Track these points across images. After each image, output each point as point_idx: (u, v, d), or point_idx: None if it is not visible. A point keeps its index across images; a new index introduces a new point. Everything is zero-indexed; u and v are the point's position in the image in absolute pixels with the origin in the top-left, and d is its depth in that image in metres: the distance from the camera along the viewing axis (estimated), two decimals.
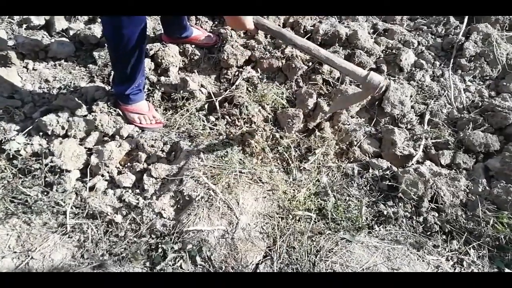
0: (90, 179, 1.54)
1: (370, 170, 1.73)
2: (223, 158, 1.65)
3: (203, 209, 1.45)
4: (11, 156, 1.51)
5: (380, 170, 1.72)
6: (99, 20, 2.16)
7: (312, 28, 2.18)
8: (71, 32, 2.08)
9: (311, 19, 2.23)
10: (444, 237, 1.55)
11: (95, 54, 1.99)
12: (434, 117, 1.98)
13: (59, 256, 1.33)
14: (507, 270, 1.44)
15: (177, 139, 1.74)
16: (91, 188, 1.54)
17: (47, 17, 2.08)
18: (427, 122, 1.96)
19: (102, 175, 1.58)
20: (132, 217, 1.45)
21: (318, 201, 1.61)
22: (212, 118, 1.86)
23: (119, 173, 1.61)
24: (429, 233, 1.57)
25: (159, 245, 1.37)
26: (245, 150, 1.74)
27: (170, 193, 1.52)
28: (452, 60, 2.17)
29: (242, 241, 1.39)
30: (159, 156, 1.68)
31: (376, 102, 1.98)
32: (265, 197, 1.58)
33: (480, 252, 1.50)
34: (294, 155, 1.78)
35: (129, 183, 1.57)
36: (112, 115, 1.75)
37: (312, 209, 1.57)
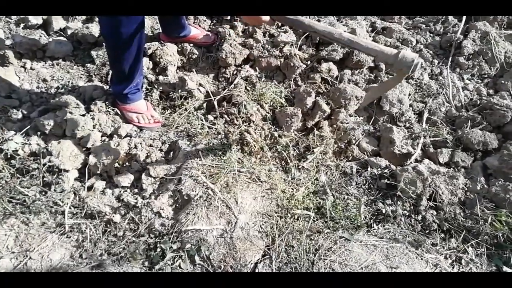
0: (88, 179, 1.54)
1: (369, 169, 1.73)
2: (222, 157, 1.65)
3: (201, 209, 1.45)
4: (9, 156, 1.51)
5: (379, 169, 1.72)
6: (97, 19, 2.16)
7: None
8: (69, 31, 2.08)
9: (309, 18, 2.23)
10: (442, 235, 1.55)
11: (93, 53, 1.99)
12: (432, 116, 1.98)
13: (58, 256, 1.33)
14: (505, 268, 1.44)
15: (175, 138, 1.74)
16: (89, 188, 1.53)
17: (45, 17, 2.07)
18: (426, 120, 1.96)
19: (100, 175, 1.58)
20: (130, 217, 1.45)
21: (316, 200, 1.61)
22: (210, 117, 1.86)
23: (118, 172, 1.61)
24: (427, 231, 1.57)
25: (158, 245, 1.36)
26: (243, 149, 1.74)
27: (169, 193, 1.52)
28: (450, 59, 2.17)
29: (241, 240, 1.39)
30: (158, 155, 1.68)
31: (375, 101, 1.98)
32: (264, 196, 1.58)
33: (479, 250, 1.50)
34: (293, 154, 1.78)
35: (128, 182, 1.57)
36: (110, 114, 1.75)
37: (311, 208, 1.57)
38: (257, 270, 1.35)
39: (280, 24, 2.22)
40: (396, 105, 1.93)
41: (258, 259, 1.39)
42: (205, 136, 1.74)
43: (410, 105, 2.00)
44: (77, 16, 2.17)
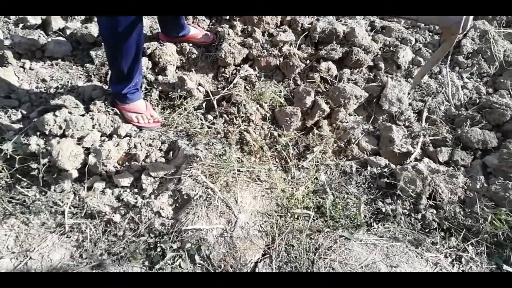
0: (88, 179, 1.54)
1: (368, 168, 1.73)
2: (221, 156, 1.65)
3: (201, 208, 1.45)
4: (8, 156, 1.51)
5: (378, 168, 1.72)
6: (95, 19, 2.16)
7: (309, 26, 2.18)
8: (68, 31, 2.08)
9: (308, 17, 2.23)
10: (442, 234, 1.56)
11: (92, 53, 1.98)
12: (432, 114, 1.98)
13: (58, 256, 1.33)
14: (505, 267, 1.44)
15: (175, 138, 1.74)
16: (89, 188, 1.53)
17: (44, 17, 2.07)
18: (425, 119, 1.96)
19: (100, 175, 1.58)
20: (130, 217, 1.45)
21: (316, 199, 1.61)
22: (210, 117, 1.86)
23: (117, 172, 1.61)
24: (427, 230, 1.57)
25: (158, 244, 1.36)
26: (243, 149, 1.74)
27: (169, 192, 1.52)
28: (449, 57, 2.17)
29: (241, 239, 1.39)
30: (157, 155, 1.68)
31: (374, 100, 1.98)
32: (264, 195, 1.58)
33: (479, 249, 1.50)
34: (292, 153, 1.78)
35: (127, 182, 1.56)
36: (109, 114, 1.75)
37: (311, 207, 1.57)
38: (257, 270, 1.35)
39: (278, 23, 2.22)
40: (395, 104, 1.93)
41: (258, 259, 1.39)
42: (205, 136, 1.74)
43: (410, 104, 2.00)
44: (76, 16, 2.16)
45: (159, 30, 2.08)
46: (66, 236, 1.40)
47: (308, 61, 2.06)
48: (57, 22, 2.07)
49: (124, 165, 1.64)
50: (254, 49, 2.05)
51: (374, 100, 1.98)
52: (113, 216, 1.45)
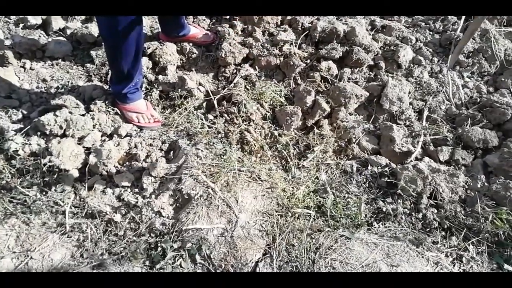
0: (88, 179, 1.54)
1: (369, 167, 1.73)
2: (222, 156, 1.65)
3: (202, 208, 1.45)
4: (9, 156, 1.51)
5: (379, 167, 1.72)
6: (95, 18, 2.16)
7: (310, 25, 2.18)
8: (68, 31, 2.08)
9: (309, 17, 2.23)
10: (443, 233, 1.55)
11: (93, 53, 1.99)
12: (432, 114, 1.98)
13: (59, 256, 1.33)
14: (506, 266, 1.44)
15: (175, 138, 1.74)
16: (90, 188, 1.53)
17: (44, 17, 2.07)
18: (426, 118, 1.96)
19: (101, 174, 1.58)
20: (131, 216, 1.45)
21: (317, 199, 1.61)
22: (210, 117, 1.86)
23: (118, 172, 1.61)
24: (428, 229, 1.57)
25: (159, 244, 1.37)
26: (243, 148, 1.74)
27: (169, 192, 1.52)
28: (450, 56, 2.17)
29: (241, 239, 1.39)
30: (158, 154, 1.68)
31: (375, 99, 1.98)
32: (264, 195, 1.58)
33: (479, 248, 1.50)
34: (293, 153, 1.78)
35: (128, 182, 1.56)
36: (110, 114, 1.75)
37: (311, 206, 1.57)
38: (258, 269, 1.35)
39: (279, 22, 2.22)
40: (396, 103, 1.93)
41: (259, 258, 1.39)
42: (205, 136, 1.74)
43: (410, 103, 2.00)
44: (76, 16, 2.16)
45: (159, 30, 2.08)
46: (67, 236, 1.40)
47: (308, 61, 2.06)
48: (57, 22, 2.07)
49: (124, 165, 1.64)
50: (254, 48, 2.05)
51: (375, 100, 1.98)
52: (114, 216, 1.45)
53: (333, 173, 1.73)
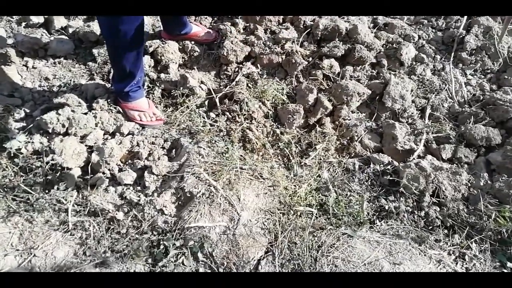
0: (91, 177, 1.55)
1: (371, 165, 1.72)
2: (224, 154, 1.65)
3: (204, 206, 1.45)
4: (12, 155, 1.52)
5: (381, 165, 1.71)
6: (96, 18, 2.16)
7: (312, 23, 2.17)
8: (70, 30, 2.08)
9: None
10: (445, 231, 1.55)
11: (95, 51, 1.99)
12: (435, 111, 1.97)
13: (61, 254, 1.34)
14: (509, 264, 1.44)
15: (177, 136, 1.74)
16: (92, 186, 1.54)
17: (46, 15, 2.07)
18: (428, 116, 1.96)
19: (103, 173, 1.58)
20: (133, 214, 1.45)
21: (319, 197, 1.61)
22: (212, 115, 1.86)
23: (120, 170, 1.61)
24: (430, 227, 1.56)
25: (161, 242, 1.37)
26: (245, 147, 1.74)
27: (171, 190, 1.52)
28: (453, 54, 2.16)
29: (243, 237, 1.39)
30: (160, 153, 1.68)
31: (377, 97, 1.97)
32: (266, 193, 1.58)
33: (482, 246, 1.50)
34: (295, 151, 1.78)
35: (130, 180, 1.57)
36: (112, 112, 1.75)
37: (313, 204, 1.57)
38: (260, 267, 1.35)
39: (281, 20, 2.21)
40: (398, 101, 1.92)
41: (261, 256, 1.39)
42: (207, 134, 1.74)
43: (413, 101, 1.99)
44: None
45: (161, 28, 2.08)
46: (69, 234, 1.40)
47: (310, 59, 2.06)
48: (59, 20, 2.07)
49: (127, 163, 1.64)
50: (256, 46, 2.05)
51: (377, 97, 1.98)
52: (116, 214, 1.45)
53: (335, 171, 1.72)
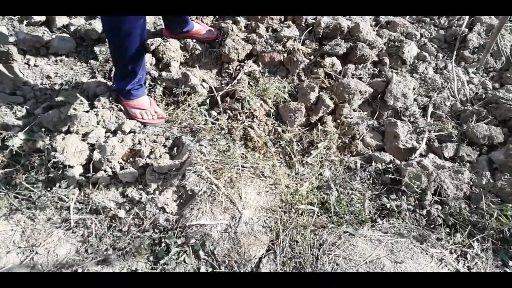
0: (93, 175, 1.55)
1: (373, 164, 1.72)
2: (225, 152, 1.65)
3: (205, 204, 1.45)
4: (14, 153, 1.52)
5: (383, 164, 1.71)
6: (98, 16, 2.16)
7: (313, 21, 2.16)
8: (72, 28, 2.08)
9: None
10: (447, 230, 1.55)
11: (96, 49, 1.99)
12: (437, 110, 1.96)
13: (63, 251, 1.34)
14: (511, 263, 1.43)
15: (179, 134, 1.74)
16: (94, 184, 1.54)
17: (46, 15, 2.07)
18: (430, 114, 1.95)
19: (105, 171, 1.59)
20: (135, 212, 1.46)
21: (320, 195, 1.61)
22: (214, 113, 1.86)
23: (122, 168, 1.62)
24: (432, 226, 1.56)
25: (163, 240, 1.37)
26: (247, 145, 1.74)
27: (173, 188, 1.52)
28: (455, 52, 2.15)
29: (245, 235, 1.39)
30: (162, 151, 1.68)
31: (379, 95, 1.97)
32: (268, 191, 1.58)
33: (484, 245, 1.49)
34: (297, 149, 1.77)
35: (132, 178, 1.57)
36: (114, 110, 1.75)
37: (315, 203, 1.57)
38: (261, 265, 1.35)
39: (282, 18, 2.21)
40: (400, 99, 1.91)
41: (263, 254, 1.39)
42: (209, 132, 1.74)
43: (415, 100, 1.98)
44: None
45: (163, 26, 2.08)
46: (71, 232, 1.41)
47: (312, 57, 2.05)
48: (61, 19, 2.07)
49: (128, 161, 1.65)
50: (258, 44, 2.05)
51: (379, 96, 1.97)
52: (118, 212, 1.45)
53: (337, 170, 1.72)
